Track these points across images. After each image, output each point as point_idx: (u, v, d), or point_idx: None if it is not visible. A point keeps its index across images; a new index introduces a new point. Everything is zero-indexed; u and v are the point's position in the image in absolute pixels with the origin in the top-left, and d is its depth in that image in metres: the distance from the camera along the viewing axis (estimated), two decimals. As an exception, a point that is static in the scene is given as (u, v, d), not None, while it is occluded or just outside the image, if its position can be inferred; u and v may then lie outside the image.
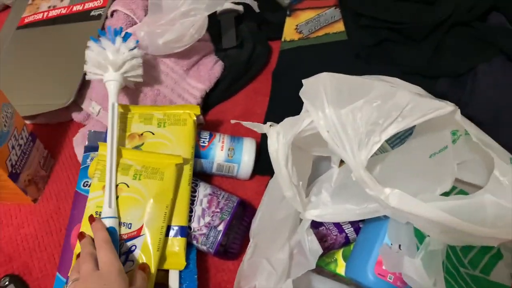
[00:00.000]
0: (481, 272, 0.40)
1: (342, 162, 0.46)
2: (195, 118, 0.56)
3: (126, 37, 0.56)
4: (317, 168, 0.43)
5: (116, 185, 0.50)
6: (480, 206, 0.33)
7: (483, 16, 0.62)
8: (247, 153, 0.57)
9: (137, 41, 0.58)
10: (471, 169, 0.38)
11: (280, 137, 0.37)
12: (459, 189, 0.40)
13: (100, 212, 0.49)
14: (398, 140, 0.42)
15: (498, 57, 0.58)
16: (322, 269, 0.49)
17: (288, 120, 0.38)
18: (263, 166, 0.58)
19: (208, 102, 0.66)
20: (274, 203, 0.40)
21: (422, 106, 0.33)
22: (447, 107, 0.34)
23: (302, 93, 0.36)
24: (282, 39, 0.69)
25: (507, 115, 0.56)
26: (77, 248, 0.48)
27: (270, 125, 0.38)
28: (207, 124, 0.66)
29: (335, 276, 0.49)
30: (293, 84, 0.63)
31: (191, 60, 0.65)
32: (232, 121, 0.45)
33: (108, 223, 0.47)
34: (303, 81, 0.38)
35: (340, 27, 0.65)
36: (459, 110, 0.35)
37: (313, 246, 0.37)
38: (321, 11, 0.69)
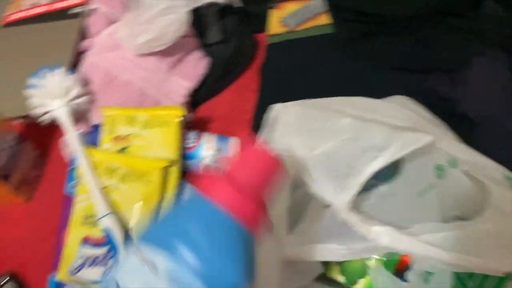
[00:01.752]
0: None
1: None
2: (180, 119, 0.56)
3: (57, 68, 0.58)
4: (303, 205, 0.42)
5: (103, 188, 0.51)
6: (478, 236, 0.33)
7: (476, 4, 0.59)
8: (233, 152, 0.58)
9: (71, 70, 0.60)
10: (466, 199, 0.37)
11: None
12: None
13: (88, 214, 0.51)
14: (386, 177, 0.41)
15: (493, 49, 0.56)
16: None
17: None
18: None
19: (196, 99, 0.66)
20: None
21: (396, 142, 0.32)
22: (423, 139, 0.33)
23: (274, 142, 0.35)
24: (268, 33, 0.68)
25: (503, 111, 0.54)
26: (67, 249, 0.50)
27: None
28: (196, 122, 0.66)
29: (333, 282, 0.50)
30: (280, 80, 0.63)
31: (175, 57, 0.65)
32: None
33: (105, 222, 0.48)
34: (277, 122, 0.36)
35: (328, 19, 0.64)
36: (441, 140, 0.34)
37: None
38: (306, 1, 0.68)
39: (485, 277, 0.39)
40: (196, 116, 0.67)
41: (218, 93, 0.68)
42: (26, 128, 0.67)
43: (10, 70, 0.68)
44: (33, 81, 0.57)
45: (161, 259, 0.25)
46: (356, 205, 0.35)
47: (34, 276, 0.56)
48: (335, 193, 0.33)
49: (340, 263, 0.48)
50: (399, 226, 0.34)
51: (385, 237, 0.33)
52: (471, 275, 0.39)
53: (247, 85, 0.69)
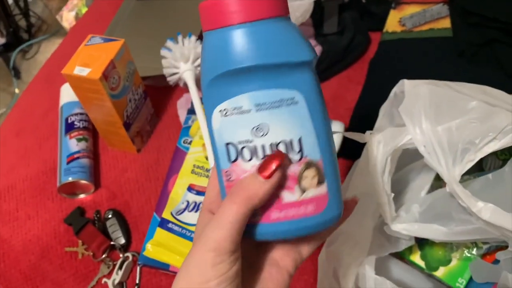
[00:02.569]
0: None
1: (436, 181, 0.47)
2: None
3: (188, 36, 0.64)
4: (405, 180, 0.44)
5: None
6: None
7: None
8: (335, 135, 0.60)
9: (199, 39, 0.64)
10: None
11: (380, 146, 0.39)
12: None
13: (198, 165, 0.56)
14: (494, 167, 0.41)
15: None
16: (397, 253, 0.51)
17: (389, 131, 0.39)
18: (347, 150, 0.61)
19: (302, 83, 0.70)
20: (363, 175, 0.42)
21: None
22: None
23: (402, 109, 0.37)
24: (384, 30, 0.70)
25: None
26: (173, 193, 0.55)
27: (371, 133, 0.40)
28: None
29: (408, 262, 0.50)
30: (390, 75, 0.65)
31: (292, 42, 0.69)
32: (334, 131, 0.46)
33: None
34: (405, 95, 0.38)
35: (445, 23, 0.64)
36: None
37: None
38: (427, 6, 0.69)
39: None
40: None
41: (325, 80, 0.71)
42: (148, 88, 0.75)
43: (148, 36, 0.77)
44: (168, 44, 0.64)
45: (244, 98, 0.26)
46: (462, 183, 0.36)
47: (138, 214, 0.62)
48: (450, 166, 0.34)
49: (421, 249, 0.48)
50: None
51: (487, 212, 0.33)
52: None
53: (353, 77, 0.71)
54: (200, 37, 0.69)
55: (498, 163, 0.43)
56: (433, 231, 0.37)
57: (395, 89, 0.41)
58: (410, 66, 0.63)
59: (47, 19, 2.16)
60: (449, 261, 0.49)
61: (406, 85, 0.39)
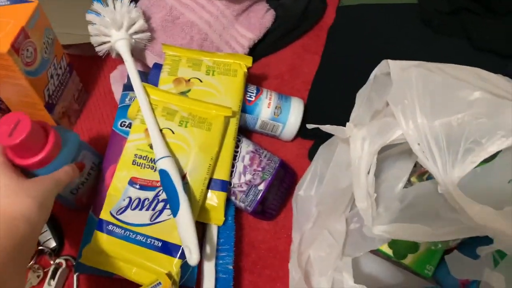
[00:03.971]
0: None
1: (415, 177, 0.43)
2: (246, 70, 0.53)
3: None
4: (380, 169, 0.39)
5: (160, 130, 0.47)
6: None
7: None
8: (295, 113, 0.54)
9: (132, 1, 0.55)
10: None
11: (365, 144, 0.33)
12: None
13: (140, 155, 0.48)
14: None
15: None
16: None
17: (375, 125, 0.33)
18: (307, 130, 0.56)
19: (254, 53, 0.62)
20: (339, 170, 0.37)
21: None
22: None
23: (391, 98, 0.32)
24: (342, -5, 0.64)
25: None
26: (111, 189, 0.47)
27: (354, 126, 0.35)
28: (250, 77, 0.62)
29: (375, 251, 0.48)
30: (351, 45, 0.59)
31: (242, 5, 0.60)
32: (309, 126, 0.40)
33: (163, 163, 0.44)
34: (393, 82, 0.33)
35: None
36: None
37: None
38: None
39: None
40: (251, 72, 0.63)
41: (277, 50, 0.65)
42: (74, 59, 0.64)
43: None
44: (95, 7, 0.53)
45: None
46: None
47: (71, 211, 0.53)
48: (448, 167, 0.30)
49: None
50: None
51: (484, 216, 0.30)
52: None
53: (308, 46, 0.65)
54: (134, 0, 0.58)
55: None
56: (417, 232, 0.33)
57: (375, 71, 0.35)
58: (372, 36, 0.58)
59: None
60: (417, 248, 0.47)
61: (391, 67, 0.33)
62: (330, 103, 0.55)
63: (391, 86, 0.32)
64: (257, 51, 0.63)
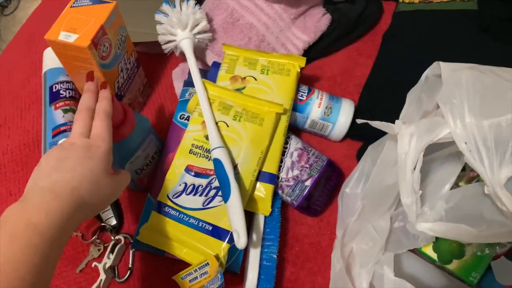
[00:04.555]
0: None
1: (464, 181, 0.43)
2: (299, 70, 0.55)
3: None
4: (428, 171, 0.40)
5: (216, 123, 0.51)
6: None
7: None
8: (345, 114, 0.56)
9: (197, 3, 0.59)
10: None
11: (413, 140, 0.34)
12: None
13: (197, 144, 0.51)
14: None
15: None
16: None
17: (424, 123, 0.34)
18: (356, 131, 0.57)
19: (308, 55, 0.65)
20: (386, 168, 0.38)
21: None
22: None
23: (440, 98, 0.33)
24: (400, 0, 0.64)
25: None
26: (169, 174, 0.51)
27: (402, 123, 0.36)
28: (303, 78, 0.64)
29: (420, 254, 0.48)
30: (404, 50, 0.60)
31: (299, 9, 0.63)
32: (359, 121, 0.41)
33: (217, 153, 0.48)
34: (443, 82, 0.33)
35: (471, -5, 0.59)
36: None
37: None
38: (448, -25, 0.63)
39: None
40: (304, 73, 0.65)
41: (332, 53, 0.66)
42: (141, 55, 0.69)
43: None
44: (163, 8, 0.58)
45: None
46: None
47: (131, 193, 0.58)
48: (494, 167, 0.30)
49: (435, 241, 0.45)
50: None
51: None
52: None
53: (363, 50, 0.66)
54: (198, 2, 0.62)
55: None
56: (461, 232, 0.33)
57: (427, 72, 0.36)
58: (428, 41, 0.58)
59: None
60: (463, 254, 0.46)
61: (442, 68, 0.34)
62: (381, 106, 0.56)
63: (441, 87, 0.33)
64: (311, 53, 0.65)
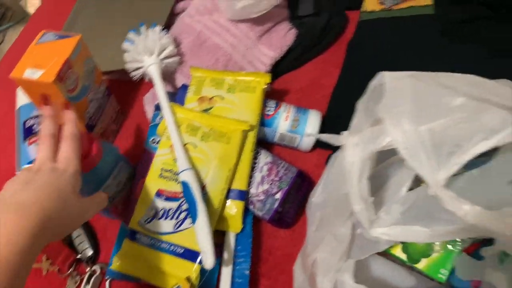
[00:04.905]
0: None
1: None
2: (265, 86, 0.56)
3: (152, 26, 0.61)
4: (385, 176, 0.41)
5: (184, 145, 0.52)
6: None
7: None
8: (311, 125, 0.56)
9: (164, 29, 0.61)
10: None
11: (357, 150, 0.35)
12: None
13: (166, 168, 0.52)
14: (479, 162, 0.39)
15: None
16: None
17: (368, 132, 0.35)
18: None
19: (276, 70, 0.66)
20: (339, 176, 0.39)
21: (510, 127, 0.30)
22: None
23: (382, 107, 0.34)
24: (362, 9, 0.65)
25: None
26: (140, 200, 0.51)
27: (348, 134, 0.36)
28: (272, 92, 0.65)
29: (388, 256, 0.48)
30: (369, 58, 0.61)
31: (265, 26, 0.64)
32: (309, 134, 0.42)
33: (184, 175, 0.48)
34: (386, 91, 0.34)
35: (426, 0, 0.60)
36: None
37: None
38: (406, -19, 0.64)
39: None
40: (274, 87, 0.66)
41: (300, 66, 0.67)
42: (113, 83, 0.70)
43: (109, 28, 0.71)
44: (130, 36, 0.59)
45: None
46: (446, 186, 0.33)
47: (107, 221, 0.58)
48: (433, 170, 0.31)
49: (403, 242, 0.45)
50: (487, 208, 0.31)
51: (473, 216, 0.30)
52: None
53: (330, 60, 0.67)
54: (165, 27, 0.64)
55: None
56: (415, 234, 0.34)
57: (373, 82, 0.37)
58: (390, 48, 0.59)
59: (11, 5, 2.04)
60: (430, 252, 0.46)
61: (386, 78, 0.35)
62: (347, 115, 0.56)
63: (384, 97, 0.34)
64: (280, 67, 0.66)
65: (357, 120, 0.38)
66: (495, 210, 0.31)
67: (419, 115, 0.32)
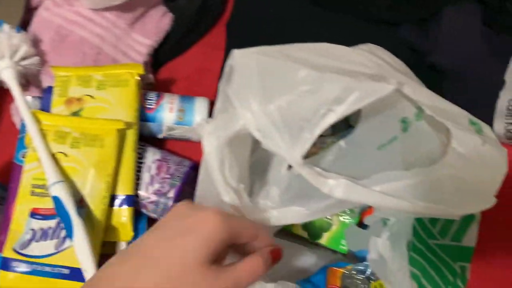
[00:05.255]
0: (452, 240, 0.38)
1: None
2: (138, 78, 0.51)
3: None
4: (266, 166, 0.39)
5: (53, 155, 0.46)
6: (437, 182, 0.30)
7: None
8: (200, 113, 0.53)
9: (18, 28, 0.54)
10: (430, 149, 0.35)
11: (212, 138, 0.33)
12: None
13: (37, 184, 0.46)
14: (345, 132, 0.38)
15: (467, 1, 0.54)
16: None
17: (221, 118, 0.33)
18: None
19: (158, 58, 0.61)
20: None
21: (355, 94, 0.29)
22: (384, 89, 0.30)
23: (231, 88, 0.32)
24: (235, -14, 0.63)
25: (474, 64, 0.53)
26: (13, 224, 0.45)
27: (206, 122, 0.34)
28: (157, 84, 0.61)
29: (293, 235, 0.47)
30: (251, 37, 0.58)
31: (135, 13, 0.59)
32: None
33: (54, 190, 0.43)
34: (235, 71, 0.32)
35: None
36: (406, 85, 0.31)
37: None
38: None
39: (448, 221, 0.38)
40: (158, 78, 0.61)
41: (182, 52, 0.63)
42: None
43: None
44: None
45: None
46: (315, 163, 0.32)
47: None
48: (288, 148, 0.29)
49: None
50: (356, 178, 0.31)
51: (339, 189, 0.30)
52: (434, 220, 0.38)
53: (214, 43, 0.64)
54: (22, 25, 0.56)
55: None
56: (293, 215, 0.33)
57: (228, 62, 0.35)
58: (266, 23, 0.57)
59: None
60: (330, 226, 0.47)
61: (234, 56, 0.32)
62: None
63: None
64: (161, 56, 0.61)
65: (217, 105, 0.36)
66: (363, 180, 0.30)
67: (266, 94, 0.30)
